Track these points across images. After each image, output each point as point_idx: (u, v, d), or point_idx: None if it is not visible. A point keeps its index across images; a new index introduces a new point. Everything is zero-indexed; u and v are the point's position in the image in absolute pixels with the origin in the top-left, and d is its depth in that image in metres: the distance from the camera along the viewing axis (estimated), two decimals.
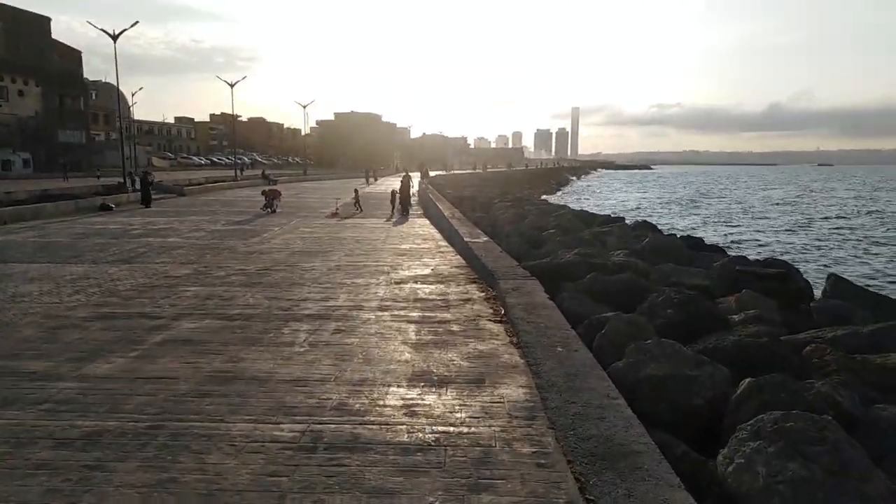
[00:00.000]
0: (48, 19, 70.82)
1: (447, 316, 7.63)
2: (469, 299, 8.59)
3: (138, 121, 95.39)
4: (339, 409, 4.66)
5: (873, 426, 4.59)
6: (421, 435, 4.21)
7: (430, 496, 3.44)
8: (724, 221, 45.64)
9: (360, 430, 4.29)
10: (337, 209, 23.20)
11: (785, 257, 23.36)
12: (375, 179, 54.25)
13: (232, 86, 53.55)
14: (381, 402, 4.80)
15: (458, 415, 4.56)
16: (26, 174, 54.37)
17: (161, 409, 4.67)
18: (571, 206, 39.18)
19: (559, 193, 78.92)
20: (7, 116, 60.40)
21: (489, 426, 4.36)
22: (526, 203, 32.94)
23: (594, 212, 33.45)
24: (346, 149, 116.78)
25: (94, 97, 79.62)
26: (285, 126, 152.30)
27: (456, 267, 11.34)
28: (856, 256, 28.05)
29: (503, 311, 7.60)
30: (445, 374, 5.48)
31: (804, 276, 13.31)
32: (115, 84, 41.10)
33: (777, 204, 63.62)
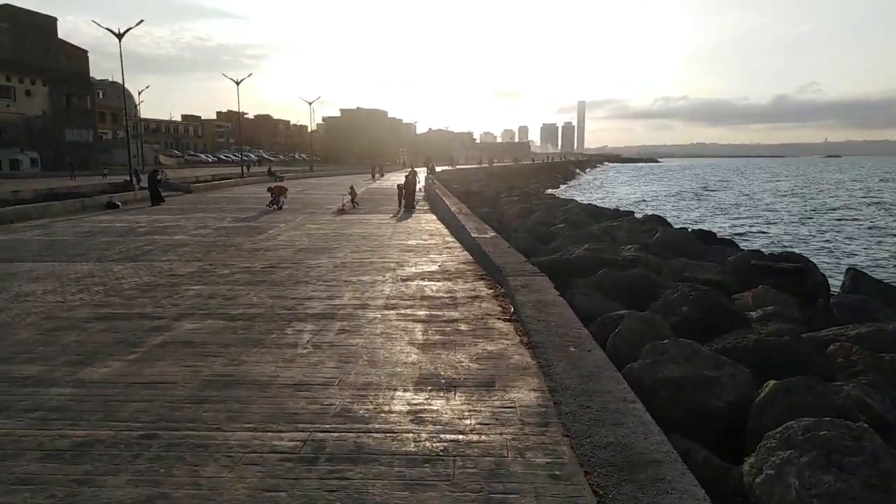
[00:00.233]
0: (55, 19, 70.96)
1: (455, 314, 7.40)
2: (477, 297, 8.35)
3: (145, 119, 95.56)
4: (343, 416, 4.44)
5: None
6: (428, 444, 3.98)
7: None
8: (729, 213, 45.25)
9: (364, 438, 4.07)
10: (343, 205, 23.11)
11: (794, 249, 23.01)
12: (382, 175, 54.04)
13: (238, 83, 53.49)
14: (387, 408, 4.58)
15: (468, 421, 4.33)
16: (34, 173, 54.54)
17: (156, 416, 4.46)
18: (578, 199, 38.84)
19: (564, 187, 78.77)
20: (15, 116, 60.56)
21: (500, 434, 4.13)
22: (533, 197, 32.62)
23: (601, 205, 33.13)
24: (353, 145, 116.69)
25: (101, 96, 79.79)
26: (292, 123, 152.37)
27: (463, 263, 11.10)
28: (866, 249, 27.62)
29: (512, 309, 7.37)
30: (454, 376, 5.25)
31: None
32: (121, 83, 41.08)
33: (784, 195, 63.06)
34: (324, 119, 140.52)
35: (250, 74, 57.01)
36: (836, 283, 13.13)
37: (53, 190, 28.13)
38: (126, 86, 40.81)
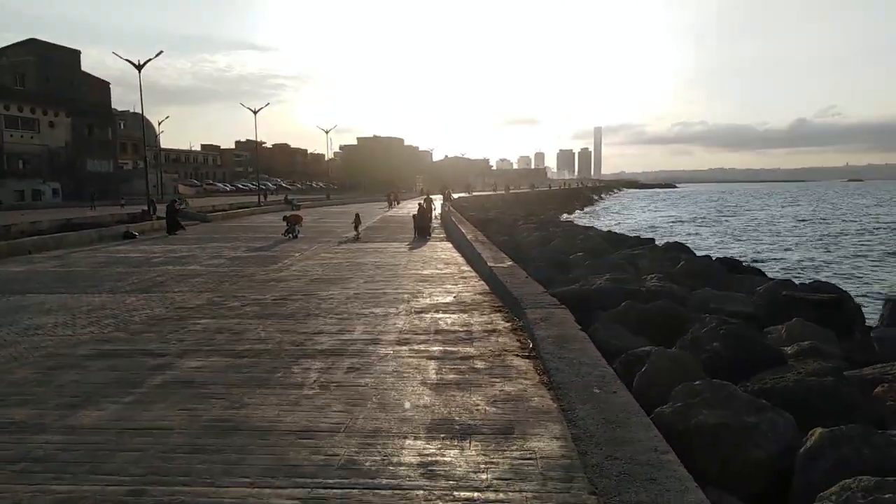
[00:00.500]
0: (78, 52, 72.73)
1: (470, 350, 7.03)
2: (494, 330, 7.98)
3: (165, 149, 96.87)
4: (348, 469, 4.07)
5: None
6: None
7: None
8: (747, 238, 44.50)
9: (370, 497, 3.69)
10: (359, 234, 22.92)
11: (819, 277, 22.30)
12: (398, 202, 53.95)
13: (255, 112, 54.02)
14: (396, 459, 4.20)
15: (484, 476, 3.94)
16: (55, 203, 55.32)
17: (147, 468, 4.12)
18: (597, 225, 38.39)
19: (577, 213, 78.59)
20: (38, 147, 61.74)
21: (520, 491, 3.73)
22: (551, 224, 32.26)
23: (619, 231, 32.65)
24: (370, 173, 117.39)
25: (122, 127, 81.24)
26: (309, 151, 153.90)
27: (479, 294, 10.74)
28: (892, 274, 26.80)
29: (531, 345, 6.98)
30: (469, 422, 4.86)
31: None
32: (141, 113, 41.66)
33: (804, 220, 62.06)
34: (341, 147, 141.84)
35: (268, 104, 57.60)
36: (868, 311, 12.55)
37: (71, 220, 28.29)
38: (147, 116, 41.45)
